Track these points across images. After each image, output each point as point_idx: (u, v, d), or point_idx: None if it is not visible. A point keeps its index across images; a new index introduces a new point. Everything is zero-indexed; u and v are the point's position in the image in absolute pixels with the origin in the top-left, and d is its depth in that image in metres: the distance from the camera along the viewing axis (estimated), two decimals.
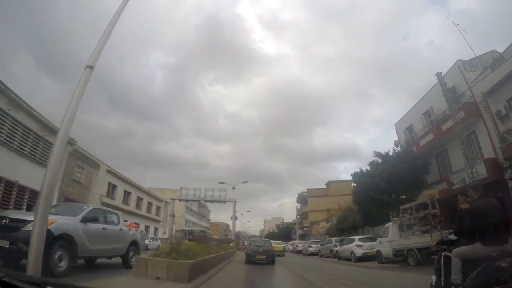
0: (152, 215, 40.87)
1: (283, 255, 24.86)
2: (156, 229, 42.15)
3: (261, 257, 15.57)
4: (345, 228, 27.88)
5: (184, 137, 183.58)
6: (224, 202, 31.87)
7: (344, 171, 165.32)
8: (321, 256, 22.16)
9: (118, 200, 31.63)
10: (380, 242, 13.82)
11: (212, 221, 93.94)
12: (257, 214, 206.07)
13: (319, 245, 25.28)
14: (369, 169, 18.85)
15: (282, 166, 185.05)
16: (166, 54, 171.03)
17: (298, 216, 59.57)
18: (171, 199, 31.63)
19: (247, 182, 34.76)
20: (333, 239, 20.60)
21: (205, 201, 32.85)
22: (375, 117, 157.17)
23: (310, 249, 25.93)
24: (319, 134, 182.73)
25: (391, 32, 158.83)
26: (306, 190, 56.58)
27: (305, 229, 54.40)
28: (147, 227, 39.31)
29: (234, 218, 32.03)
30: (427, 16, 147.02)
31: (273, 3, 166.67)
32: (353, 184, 23.49)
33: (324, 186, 56.49)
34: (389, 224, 13.35)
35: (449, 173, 17.81)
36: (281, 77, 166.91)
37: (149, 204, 40.34)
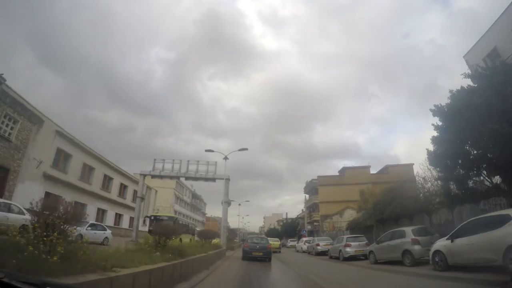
0: (127, 201, 32.66)
1: (280, 252, 26.11)
2: (131, 219, 33.97)
3: (258, 254, 15.71)
4: (386, 217, 19.50)
5: (184, 132, 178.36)
6: (213, 180, 23.30)
7: None
8: (377, 261, 12.80)
9: (72, 175, 23.43)
10: None
11: (209, 215, 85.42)
12: (256, 211, 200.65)
13: (363, 243, 16.00)
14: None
15: (282, 163, 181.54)
16: (166, 48, 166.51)
17: (305, 209, 51.20)
18: (140, 174, 23.20)
19: (246, 149, 25.36)
20: (407, 230, 11.26)
21: (186, 178, 24.08)
22: (375, 115, 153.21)
23: (348, 249, 15.79)
24: (319, 132, 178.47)
25: (392, 30, 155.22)
26: (316, 178, 48.25)
27: (315, 223, 46.08)
28: (119, 216, 31.19)
29: (226, 202, 23.47)
30: (429, 14, 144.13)
31: None
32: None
33: (337, 174, 48.33)
34: None
35: None
36: (281, 73, 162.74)
37: (123, 186, 32.19)
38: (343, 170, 46.80)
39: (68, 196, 23.22)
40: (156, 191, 39.28)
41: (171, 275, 6.40)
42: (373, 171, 47.76)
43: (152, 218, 19.09)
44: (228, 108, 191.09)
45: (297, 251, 30.09)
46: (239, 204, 51.34)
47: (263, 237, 21.41)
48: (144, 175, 22.94)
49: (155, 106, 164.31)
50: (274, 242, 24.94)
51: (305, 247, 27.33)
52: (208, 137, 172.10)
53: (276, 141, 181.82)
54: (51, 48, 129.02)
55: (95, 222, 20.16)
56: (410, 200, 18.24)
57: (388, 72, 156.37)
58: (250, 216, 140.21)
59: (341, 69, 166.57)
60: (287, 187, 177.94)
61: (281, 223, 77.13)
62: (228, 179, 22.92)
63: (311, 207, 49.09)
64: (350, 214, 43.23)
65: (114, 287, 3.81)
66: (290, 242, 41.95)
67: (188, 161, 23.54)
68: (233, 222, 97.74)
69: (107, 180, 28.35)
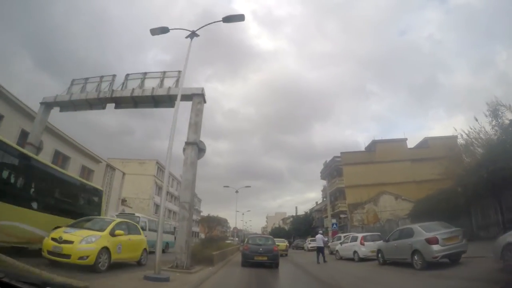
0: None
1: (286, 255, 22.71)
2: None
3: (261, 259, 13.11)
4: None
5: (183, 135, 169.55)
6: (169, 101, 12.02)
7: None
8: None
9: None
10: None
11: (204, 214, 74.08)
12: (258, 212, 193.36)
13: None
14: None
15: (282, 163, 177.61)
16: (162, 50, 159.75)
17: (326, 198, 40.37)
18: (41, 103, 11.89)
19: (243, 18, 10.64)
20: None
21: (117, 104, 12.20)
22: (375, 114, 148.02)
23: None
24: (318, 131, 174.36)
25: (389, 27, 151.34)
26: (339, 155, 37.53)
27: (341, 215, 35.23)
28: None
29: (193, 144, 10.08)
30: (426, 10, 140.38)
31: None
32: None
33: (363, 150, 37.98)
34: None
35: None
36: (279, 73, 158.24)
37: (65, 158, 21.28)
38: (373, 144, 36.40)
39: None
40: (124, 173, 28.44)
41: None
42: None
43: None
44: (226, 109, 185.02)
45: (341, 257, 17.34)
46: (237, 192, 40.38)
47: (268, 237, 17.65)
48: (47, 104, 12.08)
49: (153, 108, 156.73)
50: (280, 243, 21.48)
51: (364, 250, 14.90)
52: (206, 138, 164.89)
53: (275, 141, 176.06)
54: (48, 52, 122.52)
55: None
56: None
57: (386, 69, 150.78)
58: (251, 216, 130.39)
59: (338, 68, 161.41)
60: (287, 188, 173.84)
61: (289, 221, 66.46)
62: (200, 95, 11.39)
63: (334, 194, 38.37)
64: (387, 201, 33.01)
65: None
66: (312, 243, 27.42)
67: (128, 75, 12.77)
68: (232, 222, 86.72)
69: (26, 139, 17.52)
